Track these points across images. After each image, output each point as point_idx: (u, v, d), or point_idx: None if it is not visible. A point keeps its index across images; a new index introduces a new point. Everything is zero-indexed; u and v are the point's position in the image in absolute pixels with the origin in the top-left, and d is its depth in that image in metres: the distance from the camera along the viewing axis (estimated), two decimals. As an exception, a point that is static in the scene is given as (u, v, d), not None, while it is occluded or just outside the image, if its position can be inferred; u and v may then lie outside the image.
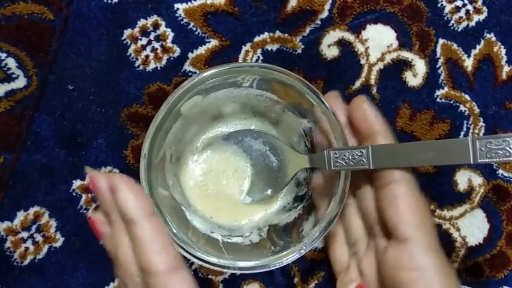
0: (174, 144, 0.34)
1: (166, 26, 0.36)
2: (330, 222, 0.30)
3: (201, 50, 0.36)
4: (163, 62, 0.36)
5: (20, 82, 0.35)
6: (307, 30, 0.37)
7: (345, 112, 0.32)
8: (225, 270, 0.30)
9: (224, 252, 0.31)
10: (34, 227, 0.36)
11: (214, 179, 0.35)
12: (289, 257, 0.30)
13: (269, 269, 0.30)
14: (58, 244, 0.36)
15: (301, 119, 0.34)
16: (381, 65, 0.37)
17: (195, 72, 0.36)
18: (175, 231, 0.30)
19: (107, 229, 0.29)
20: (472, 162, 0.25)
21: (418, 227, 0.28)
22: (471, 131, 0.38)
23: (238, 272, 0.30)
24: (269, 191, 0.35)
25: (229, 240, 0.34)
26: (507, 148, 0.24)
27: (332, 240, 0.34)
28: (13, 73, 0.35)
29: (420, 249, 0.27)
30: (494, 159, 0.25)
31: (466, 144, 0.25)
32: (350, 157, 0.29)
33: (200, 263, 0.30)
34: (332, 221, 0.30)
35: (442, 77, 0.37)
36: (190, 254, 0.30)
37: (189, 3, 0.36)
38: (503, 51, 0.38)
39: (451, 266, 0.28)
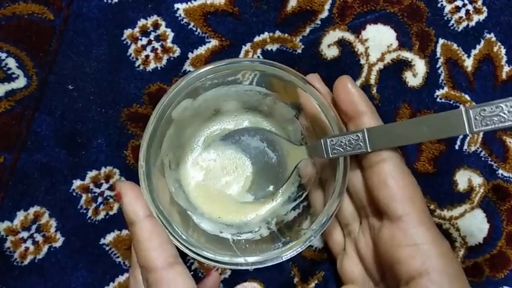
0: (171, 151, 0.34)
1: (166, 26, 0.36)
2: (335, 207, 0.30)
3: (201, 50, 0.36)
4: (164, 62, 0.36)
5: (20, 82, 0.35)
6: (307, 30, 0.37)
7: (327, 94, 0.32)
8: (238, 267, 0.30)
9: (236, 250, 0.31)
10: (34, 227, 0.36)
11: (216, 180, 0.35)
12: (300, 245, 0.30)
13: (281, 261, 0.30)
14: (58, 244, 0.36)
15: (292, 109, 0.34)
16: (380, 65, 0.37)
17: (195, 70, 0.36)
18: (184, 237, 0.30)
19: None
20: (468, 132, 0.25)
21: (409, 203, 0.28)
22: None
23: (252, 268, 0.30)
24: (271, 187, 0.35)
25: (239, 238, 0.34)
26: (501, 114, 0.24)
27: None
28: (13, 73, 0.35)
29: (414, 225, 0.28)
30: (490, 127, 0.24)
31: (460, 114, 0.25)
32: (347, 142, 0.29)
33: (213, 264, 0.30)
34: (338, 205, 0.30)
35: (442, 77, 0.37)
36: (201, 256, 0.30)
37: (189, 3, 0.36)
38: (503, 51, 0.38)
39: (445, 239, 0.29)
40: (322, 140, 0.30)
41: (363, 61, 0.37)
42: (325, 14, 0.37)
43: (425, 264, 0.27)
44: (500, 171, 0.38)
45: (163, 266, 0.27)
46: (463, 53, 0.37)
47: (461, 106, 0.37)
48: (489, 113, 0.24)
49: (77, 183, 0.36)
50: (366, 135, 0.28)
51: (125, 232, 0.36)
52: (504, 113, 0.24)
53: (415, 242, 0.27)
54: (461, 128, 0.25)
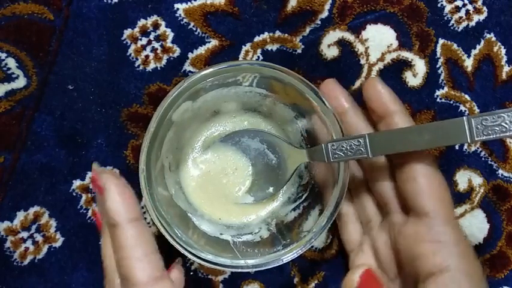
0: (171, 153, 0.34)
1: (166, 26, 0.36)
2: (335, 209, 0.30)
3: (201, 50, 0.36)
4: (163, 62, 0.36)
5: (20, 82, 0.35)
6: (307, 30, 0.37)
7: (346, 97, 0.33)
8: (239, 270, 0.30)
9: (236, 252, 0.31)
10: (34, 227, 0.36)
11: (216, 182, 0.35)
12: (300, 247, 0.30)
13: (282, 263, 0.30)
14: (58, 244, 0.36)
15: (292, 110, 0.34)
16: (380, 65, 0.37)
17: (195, 72, 0.36)
18: (184, 239, 0.30)
19: None
20: (469, 141, 0.25)
21: (437, 201, 0.28)
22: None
23: (253, 270, 0.30)
24: (271, 189, 0.35)
25: (239, 240, 0.34)
26: (503, 124, 0.24)
27: (343, 219, 0.35)
28: (13, 73, 0.35)
29: (440, 223, 0.28)
30: (491, 136, 0.25)
31: (462, 123, 0.25)
32: (348, 147, 0.29)
33: (213, 266, 0.30)
34: (337, 208, 0.30)
35: (442, 77, 0.37)
36: (202, 258, 0.30)
37: (189, 3, 0.36)
38: (503, 51, 0.38)
39: (467, 240, 0.29)
40: (323, 144, 0.30)
41: (363, 61, 0.37)
42: (325, 14, 0.37)
43: (446, 261, 0.27)
44: (500, 171, 0.38)
45: (148, 280, 0.24)
46: (463, 53, 0.37)
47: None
48: (491, 122, 0.24)
49: (77, 183, 0.36)
50: (368, 141, 0.28)
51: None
52: (506, 123, 0.24)
53: (439, 239, 0.27)
54: (462, 136, 0.25)
